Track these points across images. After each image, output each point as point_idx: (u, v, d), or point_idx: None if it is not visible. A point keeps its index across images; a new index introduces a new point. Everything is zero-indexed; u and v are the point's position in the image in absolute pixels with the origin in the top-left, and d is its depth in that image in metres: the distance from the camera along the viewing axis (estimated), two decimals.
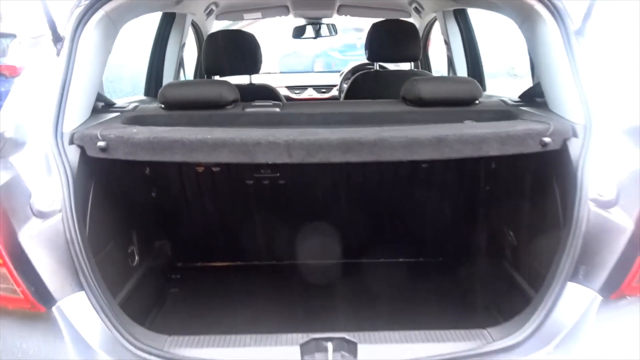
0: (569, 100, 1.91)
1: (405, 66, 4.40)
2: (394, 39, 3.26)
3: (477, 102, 2.28)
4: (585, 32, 1.90)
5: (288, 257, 2.83)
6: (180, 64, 3.79)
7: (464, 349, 1.62)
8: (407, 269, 2.84)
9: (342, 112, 2.26)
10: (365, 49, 3.45)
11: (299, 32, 4.93)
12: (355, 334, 1.67)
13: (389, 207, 2.79)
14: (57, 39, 1.87)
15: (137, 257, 2.30)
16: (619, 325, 1.61)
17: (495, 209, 2.47)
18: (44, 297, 1.59)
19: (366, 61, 4.43)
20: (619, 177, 1.67)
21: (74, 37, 1.91)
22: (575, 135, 1.80)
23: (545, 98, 2.10)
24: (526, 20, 2.13)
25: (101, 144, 1.77)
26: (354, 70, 4.72)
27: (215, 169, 2.48)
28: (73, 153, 1.78)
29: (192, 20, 3.83)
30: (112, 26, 2.09)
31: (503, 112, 2.17)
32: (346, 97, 3.73)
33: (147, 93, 3.52)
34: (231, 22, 5.09)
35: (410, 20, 3.92)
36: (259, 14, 4.19)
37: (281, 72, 6.36)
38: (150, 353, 1.60)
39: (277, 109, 2.26)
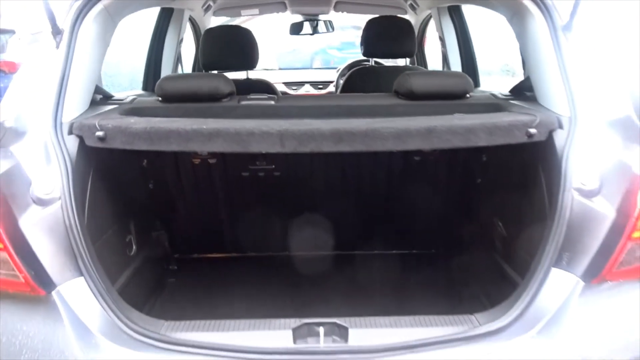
0: (556, 93, 1.96)
1: (401, 62, 4.45)
2: (389, 35, 3.31)
3: (468, 95, 2.33)
4: (573, 27, 1.95)
5: (284, 248, 2.88)
6: (178, 59, 3.83)
7: (451, 333, 1.67)
8: (400, 261, 2.89)
9: (335, 104, 2.30)
10: (361, 45, 3.50)
11: (296, 29, 4.97)
12: (347, 319, 1.72)
13: (383, 199, 2.84)
14: (56, 31, 1.92)
15: (134, 247, 2.34)
16: (600, 309, 1.66)
17: (486, 201, 2.52)
18: (44, 281, 1.64)
19: (363, 57, 4.48)
20: (602, 167, 1.73)
21: (73, 29, 1.95)
22: (560, 126, 1.85)
23: (535, 92, 2.15)
24: (515, 15, 2.17)
25: (99, 133, 1.82)
26: (350, 66, 4.76)
27: (211, 161, 2.52)
28: (72, 143, 1.82)
29: (190, 16, 3.87)
30: (111, 20, 2.13)
31: (492, 105, 2.21)
32: (342, 93, 3.77)
33: (145, 87, 3.56)
34: (229, 18, 5.13)
35: (406, 17, 3.96)
36: (256, 11, 4.22)
37: (279, 69, 6.41)
38: (147, 336, 1.65)
39: (272, 102, 2.31)
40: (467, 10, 3.75)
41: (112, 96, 2.38)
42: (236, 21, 5.44)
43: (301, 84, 5.29)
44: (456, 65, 3.74)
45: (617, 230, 1.65)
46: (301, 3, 4.08)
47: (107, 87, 2.49)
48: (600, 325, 1.65)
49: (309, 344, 1.67)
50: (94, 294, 1.67)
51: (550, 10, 1.98)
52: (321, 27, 4.94)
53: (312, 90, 5.37)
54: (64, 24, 1.95)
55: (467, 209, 2.69)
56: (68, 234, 1.67)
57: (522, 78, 2.87)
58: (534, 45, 2.08)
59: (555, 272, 1.69)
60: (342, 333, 1.69)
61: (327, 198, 2.74)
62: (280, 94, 3.39)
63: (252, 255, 2.94)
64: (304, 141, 1.78)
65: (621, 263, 1.65)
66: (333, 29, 5.05)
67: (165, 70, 3.63)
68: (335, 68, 5.71)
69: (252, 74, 3.47)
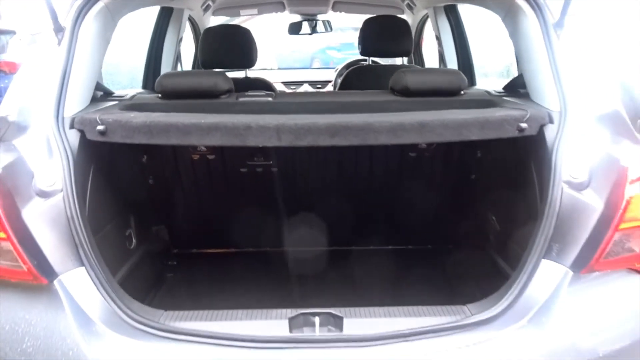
0: (547, 89, 1.99)
1: (399, 62, 4.49)
2: (385, 34, 3.35)
3: (462, 92, 2.37)
4: (564, 25, 1.99)
5: (281, 244, 2.91)
6: (177, 59, 3.87)
7: (443, 322, 1.71)
8: (396, 256, 2.92)
9: (331, 101, 2.34)
10: (359, 44, 3.55)
11: (294, 29, 5.01)
12: (342, 309, 1.76)
13: (380, 195, 2.88)
14: (58, 28, 1.96)
15: (134, 241, 2.38)
16: (589, 298, 1.71)
17: (480, 196, 2.56)
18: (46, 270, 1.68)
19: (361, 57, 4.52)
20: (591, 160, 1.77)
21: (74, 27, 1.99)
22: (551, 121, 1.89)
23: (527, 89, 2.19)
24: (508, 13, 2.22)
25: (100, 127, 1.86)
26: (348, 65, 4.81)
27: (210, 157, 2.56)
28: (73, 136, 1.87)
29: (190, 15, 3.91)
30: (111, 18, 2.18)
31: (486, 101, 2.25)
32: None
33: (144, 86, 3.60)
34: (229, 18, 5.17)
35: (404, 16, 4.01)
36: (255, 10, 4.26)
37: (278, 69, 6.45)
38: (146, 325, 1.69)
39: (270, 99, 2.35)
40: (473, 13, 3.78)
41: (112, 93, 2.42)
42: (235, 21, 5.49)
43: (300, 83, 5.33)
44: (453, 64, 3.78)
45: (605, 222, 1.69)
46: (299, 3, 4.12)
47: (107, 85, 2.53)
48: (588, 314, 1.69)
49: (305, 333, 1.71)
50: (94, 283, 1.71)
51: (541, 8, 2.02)
52: (320, 27, 4.99)
53: (311, 90, 5.41)
54: (66, 21, 1.98)
55: (462, 204, 2.73)
56: (69, 224, 1.71)
57: None
58: (526, 42, 2.12)
59: (545, 263, 1.73)
60: (337, 323, 1.73)
61: (324, 194, 2.78)
62: (279, 92, 3.43)
63: (251, 251, 2.98)
64: (300, 135, 1.82)
65: (609, 253, 1.70)
66: (331, 29, 5.09)
67: (165, 69, 3.67)
68: (333, 68, 5.75)
69: (251, 74, 3.51)
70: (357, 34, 3.58)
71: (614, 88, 1.95)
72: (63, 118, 1.88)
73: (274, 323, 1.74)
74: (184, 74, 3.25)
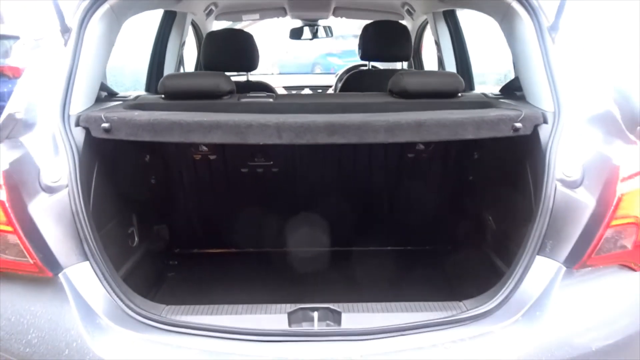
0: (542, 91, 2.04)
1: (398, 66, 4.54)
2: (385, 39, 3.40)
3: (459, 95, 2.41)
4: (559, 28, 2.04)
5: (281, 244, 2.94)
6: (180, 62, 3.92)
7: (438, 317, 1.74)
8: (396, 257, 2.96)
9: (331, 102, 2.39)
10: (359, 49, 3.60)
11: (296, 34, 5.07)
12: (340, 305, 1.80)
13: (378, 197, 2.92)
14: (64, 29, 2.01)
15: (136, 239, 2.42)
16: (581, 293, 1.75)
17: (477, 197, 2.60)
18: (52, 263, 1.72)
19: (361, 62, 4.57)
20: (584, 159, 1.81)
21: (81, 28, 2.04)
22: (545, 121, 1.94)
23: (523, 91, 2.23)
24: (505, 17, 2.26)
25: (105, 125, 1.90)
26: (348, 70, 4.87)
27: (211, 157, 2.61)
28: (79, 134, 1.91)
29: (192, 20, 3.97)
30: (116, 20, 2.23)
31: (482, 103, 2.29)
32: None
33: (147, 89, 3.65)
34: (231, 23, 5.23)
35: (403, 22, 4.06)
36: (257, 15, 4.33)
37: (280, 74, 6.51)
38: (149, 318, 1.73)
39: (271, 100, 2.39)
40: (472, 19, 3.83)
41: (116, 93, 2.47)
42: (238, 26, 5.55)
43: (301, 88, 5.38)
44: (451, 69, 3.83)
45: (597, 219, 1.73)
46: (301, 8, 4.17)
47: (111, 87, 2.57)
48: (581, 309, 1.73)
49: (304, 327, 1.75)
50: (98, 277, 1.75)
51: (536, 11, 2.07)
52: (321, 32, 5.04)
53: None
54: (72, 22, 2.04)
55: (459, 205, 2.77)
56: (74, 219, 1.76)
57: None
58: (521, 45, 2.17)
59: (539, 259, 1.77)
60: (336, 317, 1.77)
61: (324, 195, 2.82)
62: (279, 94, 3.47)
63: (251, 251, 3.01)
64: (300, 133, 1.87)
65: (601, 249, 1.74)
66: (332, 35, 5.15)
67: (168, 72, 3.72)
68: (333, 73, 5.81)
69: (253, 78, 3.55)
70: (358, 41, 3.63)
71: (607, 89, 1.99)
72: (69, 116, 1.92)
73: (273, 317, 1.77)
74: (187, 75, 3.30)
